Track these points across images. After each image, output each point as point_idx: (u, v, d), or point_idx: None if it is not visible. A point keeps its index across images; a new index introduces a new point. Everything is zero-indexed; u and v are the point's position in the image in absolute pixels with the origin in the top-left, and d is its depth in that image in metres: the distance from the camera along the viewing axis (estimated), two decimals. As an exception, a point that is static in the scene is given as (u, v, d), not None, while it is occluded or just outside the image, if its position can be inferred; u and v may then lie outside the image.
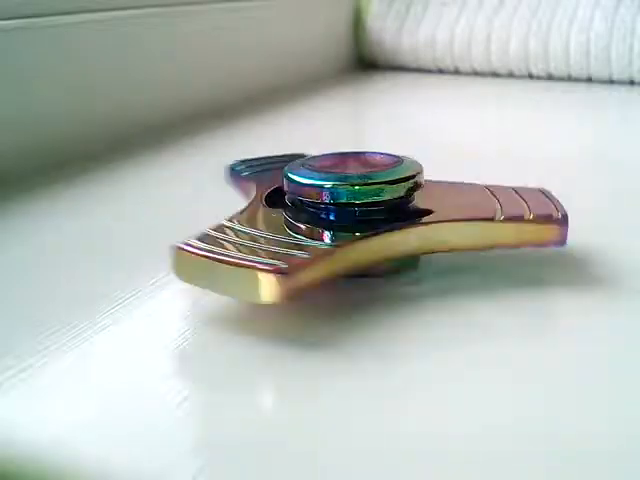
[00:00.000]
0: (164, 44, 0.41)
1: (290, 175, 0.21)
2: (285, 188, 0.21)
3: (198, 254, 0.19)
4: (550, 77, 0.54)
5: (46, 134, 0.34)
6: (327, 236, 0.20)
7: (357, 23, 0.60)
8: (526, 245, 0.21)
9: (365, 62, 0.60)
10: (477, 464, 0.14)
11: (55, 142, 0.34)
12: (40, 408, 0.16)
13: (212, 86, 0.44)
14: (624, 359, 0.18)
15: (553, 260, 0.22)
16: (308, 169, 0.21)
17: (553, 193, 0.23)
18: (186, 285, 0.19)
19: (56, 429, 0.16)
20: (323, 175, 0.21)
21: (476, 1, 0.56)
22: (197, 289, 0.19)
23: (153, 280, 0.22)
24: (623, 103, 0.49)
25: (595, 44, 0.51)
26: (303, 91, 0.50)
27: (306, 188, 0.21)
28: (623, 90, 0.50)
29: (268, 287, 0.18)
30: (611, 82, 0.52)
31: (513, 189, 0.23)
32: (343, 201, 0.20)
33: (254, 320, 0.19)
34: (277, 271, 0.18)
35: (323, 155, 0.23)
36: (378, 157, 0.22)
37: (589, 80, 0.52)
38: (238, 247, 0.19)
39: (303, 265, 0.18)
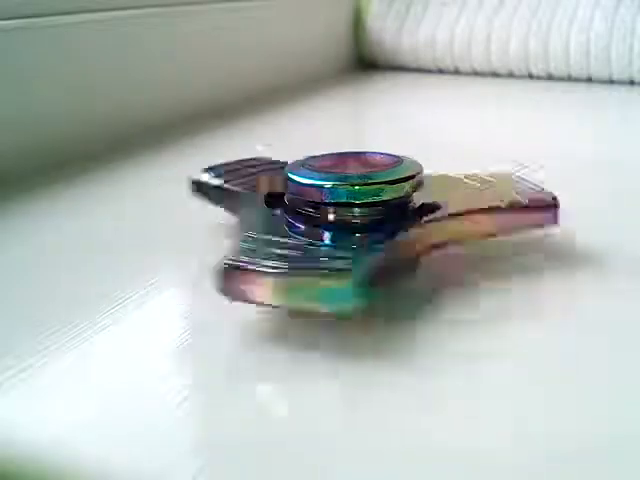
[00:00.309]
0: (164, 44, 0.41)
1: (290, 175, 0.21)
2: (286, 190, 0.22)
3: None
4: (550, 77, 0.54)
5: (46, 134, 0.34)
6: (327, 236, 0.20)
7: (357, 23, 0.60)
8: (524, 230, 0.22)
9: (365, 62, 0.60)
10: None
11: (55, 142, 0.34)
12: (40, 408, 0.16)
13: (212, 86, 0.44)
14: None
15: (553, 259, 0.22)
16: (308, 169, 0.21)
17: (553, 193, 0.23)
18: (186, 287, 0.19)
19: (56, 429, 0.16)
20: (323, 175, 0.21)
21: (476, 1, 0.56)
22: (197, 289, 0.19)
23: (153, 280, 0.22)
24: (623, 103, 0.49)
25: (595, 44, 0.51)
26: (303, 91, 0.50)
27: (306, 188, 0.21)
28: (623, 90, 0.50)
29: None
30: (611, 82, 0.52)
31: (489, 175, 0.23)
32: (343, 201, 0.20)
33: (254, 320, 0.19)
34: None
35: (323, 155, 0.23)
36: (378, 157, 0.22)
37: (589, 80, 0.52)
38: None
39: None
